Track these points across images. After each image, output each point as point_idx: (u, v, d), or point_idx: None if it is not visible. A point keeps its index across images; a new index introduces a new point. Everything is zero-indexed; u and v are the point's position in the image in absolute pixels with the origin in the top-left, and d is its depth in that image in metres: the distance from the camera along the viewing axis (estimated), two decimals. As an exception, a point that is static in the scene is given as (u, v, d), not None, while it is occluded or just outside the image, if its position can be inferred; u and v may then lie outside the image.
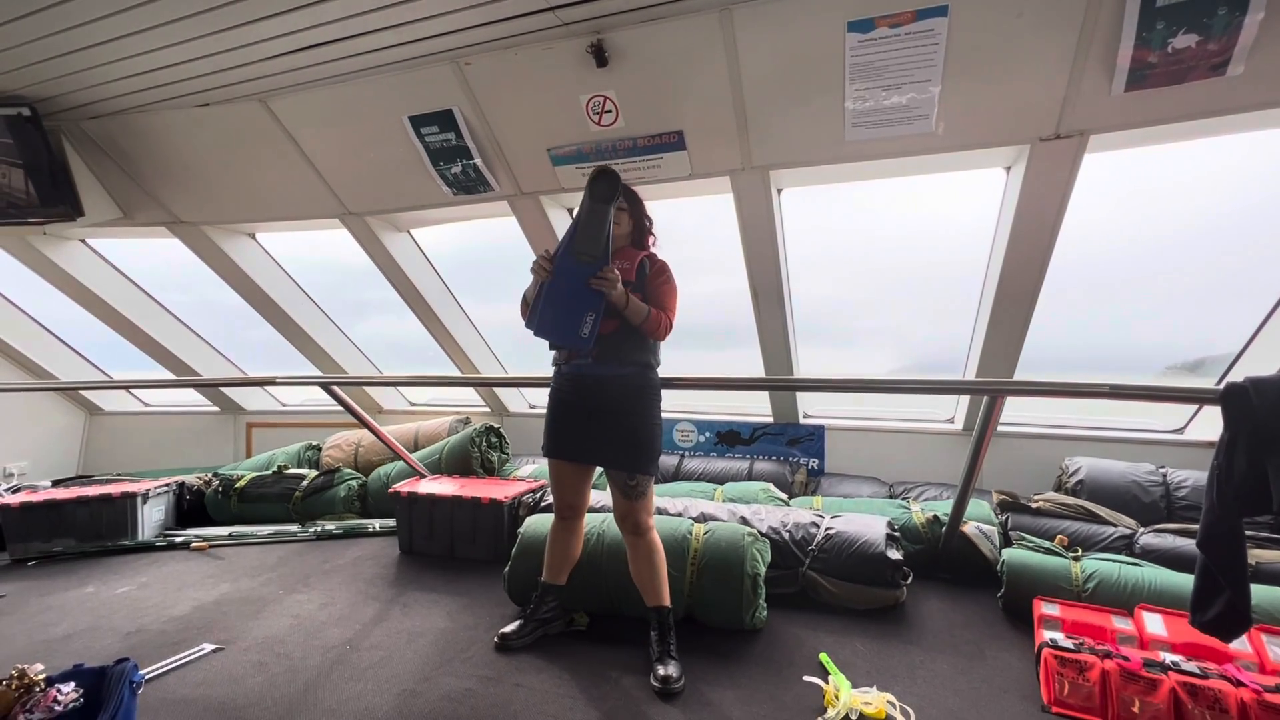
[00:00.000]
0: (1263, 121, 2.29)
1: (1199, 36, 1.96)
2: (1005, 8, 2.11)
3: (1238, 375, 2.89)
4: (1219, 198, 2.87)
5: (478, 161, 3.03)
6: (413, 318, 4.13)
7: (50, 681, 1.68)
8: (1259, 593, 2.11)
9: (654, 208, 2.24)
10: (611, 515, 2.51)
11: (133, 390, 5.64)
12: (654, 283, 2.09)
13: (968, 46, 2.20)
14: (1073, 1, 2.04)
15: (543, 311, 2.01)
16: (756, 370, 3.65)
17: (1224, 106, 2.14)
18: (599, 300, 1.96)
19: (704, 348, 4.15)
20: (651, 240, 2.20)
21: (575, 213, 2.08)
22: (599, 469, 2.22)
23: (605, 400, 2.05)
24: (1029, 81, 2.25)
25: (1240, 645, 1.90)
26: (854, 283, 3.88)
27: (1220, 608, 1.59)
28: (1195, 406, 3.13)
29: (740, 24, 2.33)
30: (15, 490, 3.79)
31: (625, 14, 2.38)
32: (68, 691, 1.66)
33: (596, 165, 2.27)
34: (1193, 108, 2.16)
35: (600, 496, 2.86)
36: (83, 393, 5.54)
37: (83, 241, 4.28)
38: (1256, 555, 2.35)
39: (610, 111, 2.71)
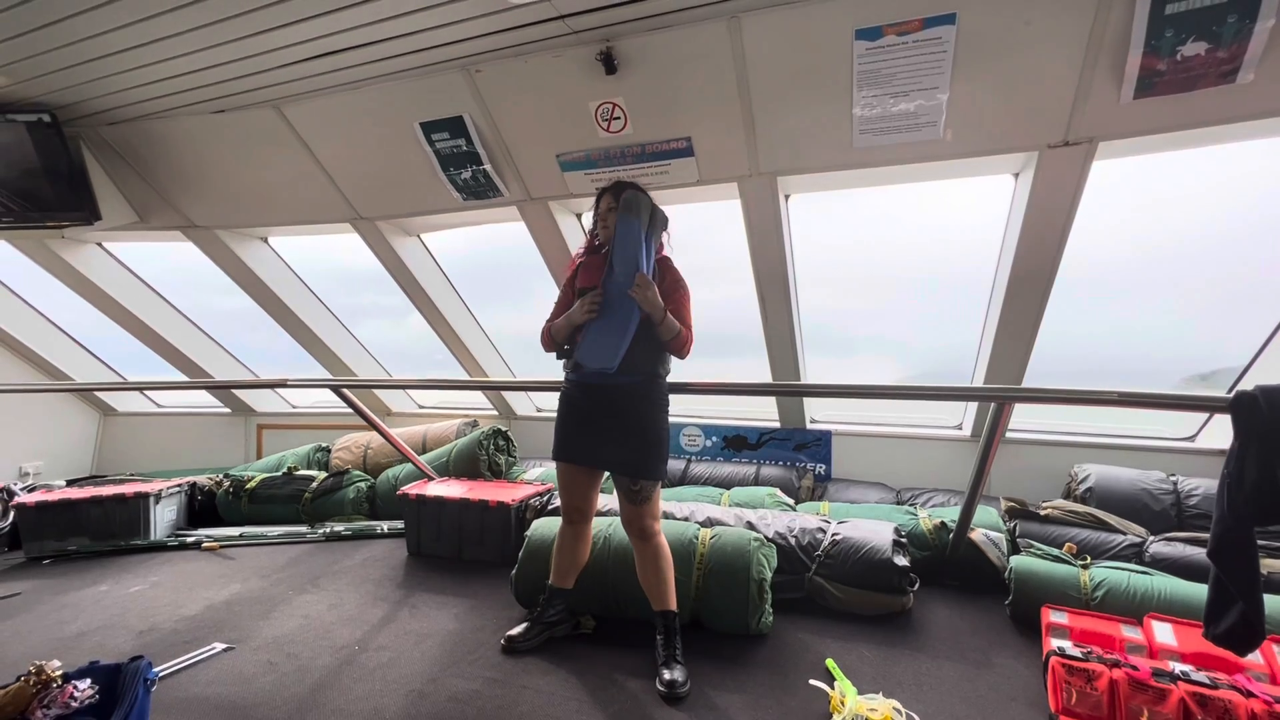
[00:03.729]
0: (1274, 129, 2.28)
1: (1208, 44, 1.96)
2: (1013, 16, 2.11)
3: (1248, 385, 2.88)
4: (1232, 206, 2.85)
5: (487, 167, 3.07)
6: (411, 322, 4.16)
7: (67, 678, 1.71)
8: (1271, 603, 2.08)
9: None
10: (618, 519, 2.52)
11: (146, 392, 5.70)
12: (666, 288, 2.09)
13: (975, 54, 2.21)
14: (1081, 10, 2.04)
15: (590, 340, 2.04)
16: (764, 378, 3.65)
17: (1234, 114, 2.13)
18: (634, 322, 2.00)
19: (710, 355, 4.14)
20: (666, 237, 2.20)
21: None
22: (606, 473, 2.23)
23: (615, 407, 2.08)
24: (1037, 89, 2.25)
25: (1251, 655, 1.88)
26: (861, 290, 3.87)
27: (1233, 620, 1.57)
28: (1206, 415, 3.11)
29: (749, 31, 2.35)
30: (31, 489, 3.85)
31: (634, 22, 2.40)
32: (84, 688, 1.69)
33: (614, 180, 2.25)
34: (1202, 115, 2.16)
35: (608, 500, 2.87)
36: (97, 394, 5.61)
37: (99, 245, 4.35)
38: (1269, 565, 2.33)
39: (619, 118, 2.73)
